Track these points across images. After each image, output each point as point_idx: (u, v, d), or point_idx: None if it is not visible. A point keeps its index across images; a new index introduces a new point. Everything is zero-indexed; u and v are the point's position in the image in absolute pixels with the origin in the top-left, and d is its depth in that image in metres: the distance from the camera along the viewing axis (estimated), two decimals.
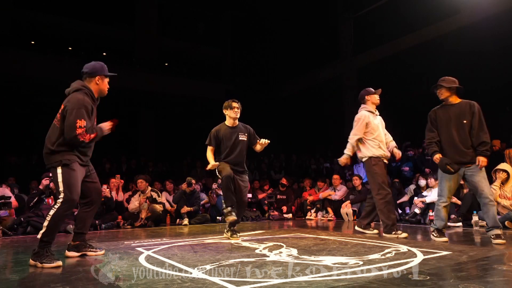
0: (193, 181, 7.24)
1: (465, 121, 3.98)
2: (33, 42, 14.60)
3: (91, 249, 3.45)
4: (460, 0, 10.91)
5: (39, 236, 2.96)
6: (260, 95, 16.17)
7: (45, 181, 5.96)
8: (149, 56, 15.77)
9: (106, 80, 3.34)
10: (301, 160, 12.62)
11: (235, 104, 4.53)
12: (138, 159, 11.40)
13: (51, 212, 2.96)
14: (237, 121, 4.57)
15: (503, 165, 5.60)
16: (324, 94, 15.42)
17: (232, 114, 4.50)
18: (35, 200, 5.93)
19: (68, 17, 14.61)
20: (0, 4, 13.11)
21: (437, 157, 3.98)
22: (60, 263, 2.93)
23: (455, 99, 4.11)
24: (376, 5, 13.54)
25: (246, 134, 4.54)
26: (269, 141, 4.44)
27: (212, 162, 4.38)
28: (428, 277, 2.29)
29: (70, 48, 15.20)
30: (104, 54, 16.24)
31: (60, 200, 2.99)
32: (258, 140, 4.57)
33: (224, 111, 4.58)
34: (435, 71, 10.77)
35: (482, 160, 3.84)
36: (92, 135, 3.12)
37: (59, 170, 3.02)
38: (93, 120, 3.23)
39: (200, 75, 16.58)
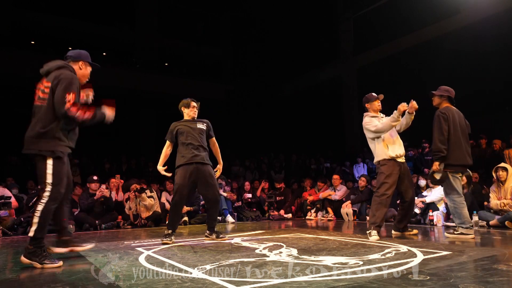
0: None
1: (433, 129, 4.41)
2: (33, 42, 14.60)
3: (79, 244, 3.39)
4: (460, 0, 10.90)
5: (31, 234, 2.84)
6: (260, 95, 16.17)
7: None
8: (149, 56, 15.78)
9: (89, 68, 3.28)
10: (301, 160, 12.62)
11: (194, 104, 4.45)
12: (138, 159, 11.40)
13: (40, 208, 2.83)
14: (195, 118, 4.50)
15: (503, 164, 5.64)
16: (324, 94, 15.42)
17: (191, 113, 4.44)
18: (34, 200, 5.92)
19: (68, 17, 14.62)
20: (0, 4, 13.11)
21: None
22: (61, 263, 2.91)
23: (441, 107, 4.46)
24: (376, 5, 13.54)
25: (204, 123, 4.48)
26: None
27: (160, 166, 4.41)
28: (428, 277, 2.29)
29: (70, 48, 15.13)
30: (104, 54, 16.22)
31: (47, 194, 2.86)
32: (211, 138, 4.54)
33: (182, 109, 4.49)
34: (435, 71, 10.84)
35: (433, 164, 4.30)
36: (88, 113, 2.94)
37: (49, 161, 2.87)
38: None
39: (200, 75, 16.59)
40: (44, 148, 2.88)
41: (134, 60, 15.47)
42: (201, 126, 4.43)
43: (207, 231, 4.51)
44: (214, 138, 4.60)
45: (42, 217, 2.84)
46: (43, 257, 2.86)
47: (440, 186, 6.30)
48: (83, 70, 3.21)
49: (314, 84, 16.00)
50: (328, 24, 15.48)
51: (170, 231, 4.22)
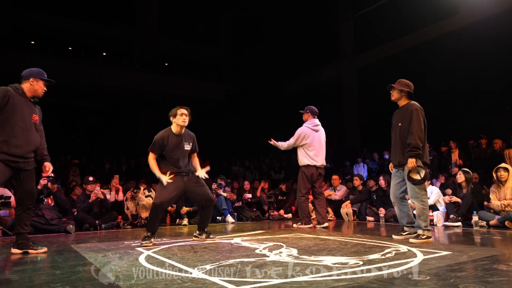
0: None
1: (400, 124, 4.07)
2: (33, 42, 14.60)
3: (33, 247, 3.59)
4: (460, 0, 10.90)
5: None
6: (260, 95, 16.18)
7: (42, 181, 5.95)
8: (149, 56, 15.77)
9: (41, 82, 3.63)
10: None
11: (183, 111, 4.26)
12: (138, 159, 11.39)
13: None
14: (183, 129, 4.32)
15: (504, 164, 5.65)
16: (324, 94, 15.41)
17: (180, 122, 4.24)
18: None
19: (68, 17, 14.62)
20: (0, 4, 13.11)
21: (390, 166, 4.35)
22: (45, 249, 3.52)
23: (403, 102, 4.17)
24: (376, 5, 13.54)
25: (190, 144, 4.35)
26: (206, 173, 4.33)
27: (158, 173, 4.09)
28: (428, 277, 2.29)
29: (70, 48, 15.20)
30: (104, 54, 16.23)
31: None
32: (196, 152, 4.42)
33: (170, 118, 4.31)
34: (435, 71, 10.83)
35: (409, 161, 3.85)
36: None
37: None
38: (24, 114, 3.45)
39: (200, 75, 16.57)
40: None
41: (134, 60, 15.47)
42: (187, 147, 4.30)
43: (197, 231, 4.46)
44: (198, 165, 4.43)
45: None
46: (34, 244, 3.56)
47: (438, 186, 6.32)
48: (33, 85, 3.59)
49: (314, 84, 15.98)
50: (328, 24, 15.47)
51: (149, 234, 4.05)
